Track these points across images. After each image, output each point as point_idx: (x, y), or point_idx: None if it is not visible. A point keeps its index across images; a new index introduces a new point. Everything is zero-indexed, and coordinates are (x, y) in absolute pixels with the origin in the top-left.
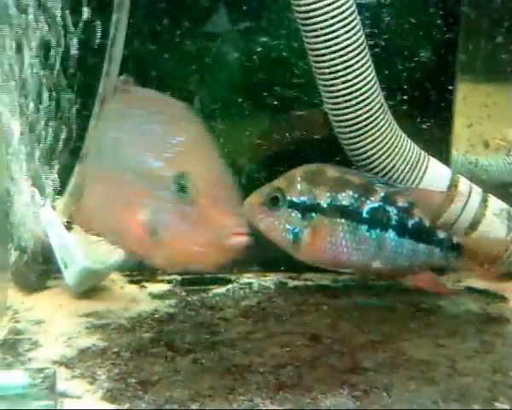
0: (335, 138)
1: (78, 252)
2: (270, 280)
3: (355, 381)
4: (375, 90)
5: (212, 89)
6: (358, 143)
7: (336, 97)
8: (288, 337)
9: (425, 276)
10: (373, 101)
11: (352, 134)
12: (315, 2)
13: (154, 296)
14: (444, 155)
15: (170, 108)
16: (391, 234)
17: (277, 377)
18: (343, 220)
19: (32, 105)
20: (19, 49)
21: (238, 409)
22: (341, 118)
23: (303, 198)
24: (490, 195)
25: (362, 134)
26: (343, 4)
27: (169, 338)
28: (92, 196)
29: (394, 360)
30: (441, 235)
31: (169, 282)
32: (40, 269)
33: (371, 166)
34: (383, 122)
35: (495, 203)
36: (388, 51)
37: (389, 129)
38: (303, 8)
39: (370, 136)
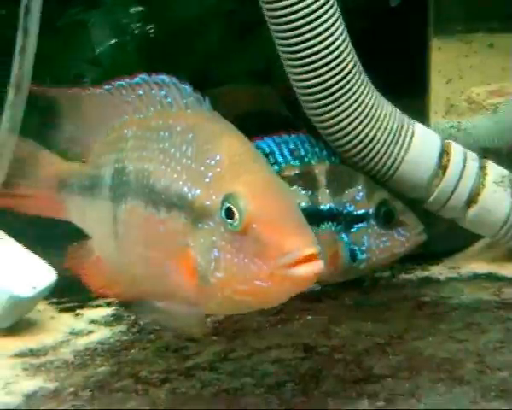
0: None
1: (1, 277)
2: None
3: (372, 390)
4: (347, 46)
5: None
6: (330, 111)
7: (300, 56)
8: (277, 352)
9: None
10: (346, 58)
11: (322, 101)
12: None
13: (97, 324)
14: (421, 120)
15: (199, 121)
16: None
17: (280, 396)
18: None
19: None
20: None
21: None
22: (307, 83)
23: None
24: (487, 160)
25: (334, 100)
26: None
27: (133, 369)
28: (122, 250)
29: (411, 362)
30: None
31: (108, 305)
32: None
33: (347, 138)
34: (359, 84)
35: (494, 170)
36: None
37: (366, 92)
38: None
39: (344, 102)
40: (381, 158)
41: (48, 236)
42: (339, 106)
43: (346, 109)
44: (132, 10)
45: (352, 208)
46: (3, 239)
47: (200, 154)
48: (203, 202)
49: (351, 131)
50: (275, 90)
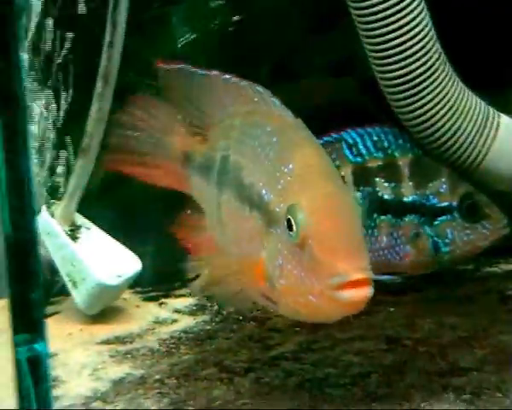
0: None
1: (89, 265)
2: None
3: (458, 383)
4: (432, 37)
5: None
6: (414, 103)
7: (384, 48)
8: (360, 343)
9: None
10: (430, 50)
11: (407, 93)
12: None
13: (181, 313)
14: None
15: (283, 125)
16: None
17: (364, 387)
18: None
19: None
20: None
21: None
22: (391, 74)
23: None
24: None
25: (418, 92)
26: None
27: (217, 358)
28: (223, 238)
29: (497, 356)
30: None
31: (191, 295)
32: None
33: (430, 130)
34: (443, 75)
35: None
36: None
37: (450, 83)
38: None
39: (428, 93)
40: (466, 150)
41: (133, 226)
42: (423, 97)
43: (430, 101)
44: (213, 4)
45: (435, 201)
46: (91, 229)
47: (278, 159)
48: (274, 208)
49: (435, 123)
50: (358, 83)
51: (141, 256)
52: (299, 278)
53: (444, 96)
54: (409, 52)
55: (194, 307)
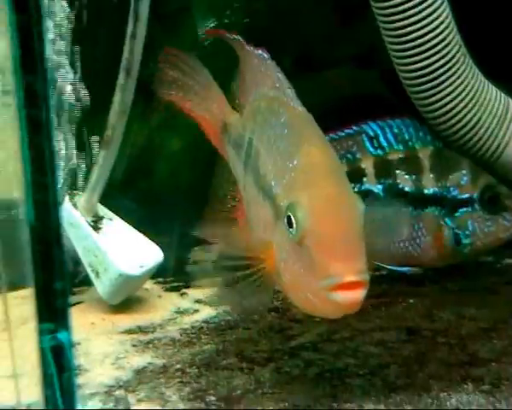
0: None
1: (111, 256)
2: None
3: (477, 374)
4: (452, 29)
5: None
6: (434, 95)
7: (405, 40)
8: (380, 334)
9: None
10: (451, 42)
11: (427, 85)
12: None
13: (202, 303)
14: None
15: (294, 119)
16: None
17: (384, 378)
18: None
19: None
20: None
21: None
22: (412, 67)
23: None
24: None
25: (438, 84)
26: None
27: (238, 348)
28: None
29: None
30: None
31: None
32: None
33: (451, 122)
34: (464, 67)
35: None
36: None
37: (471, 75)
38: None
39: (449, 86)
40: (486, 142)
41: (155, 217)
42: (443, 90)
43: (450, 93)
44: None
45: (456, 193)
46: (113, 220)
47: (286, 153)
48: (279, 202)
49: (455, 115)
50: (379, 75)
51: (162, 247)
52: (299, 275)
53: (464, 89)
54: (429, 44)
55: (216, 298)
